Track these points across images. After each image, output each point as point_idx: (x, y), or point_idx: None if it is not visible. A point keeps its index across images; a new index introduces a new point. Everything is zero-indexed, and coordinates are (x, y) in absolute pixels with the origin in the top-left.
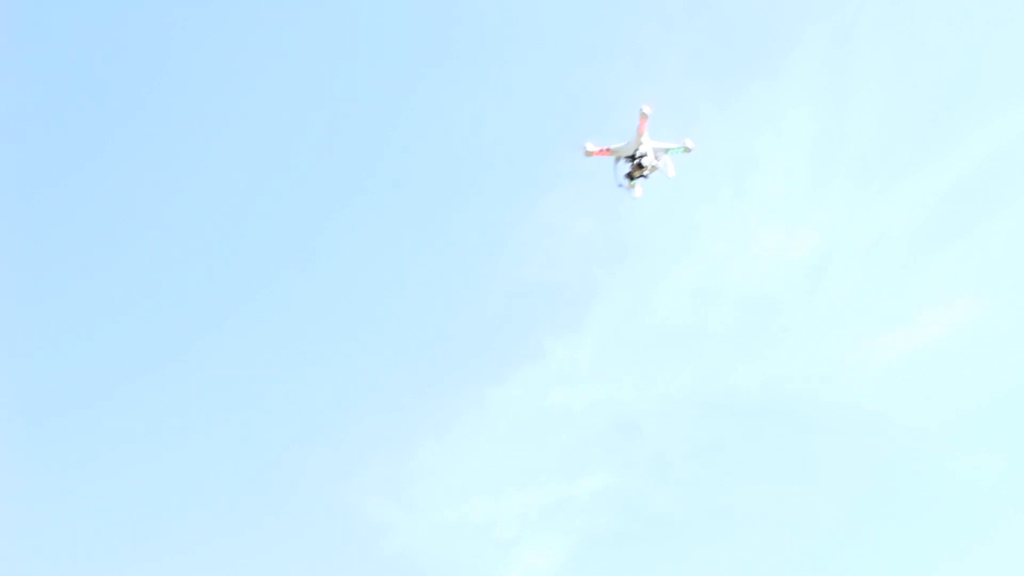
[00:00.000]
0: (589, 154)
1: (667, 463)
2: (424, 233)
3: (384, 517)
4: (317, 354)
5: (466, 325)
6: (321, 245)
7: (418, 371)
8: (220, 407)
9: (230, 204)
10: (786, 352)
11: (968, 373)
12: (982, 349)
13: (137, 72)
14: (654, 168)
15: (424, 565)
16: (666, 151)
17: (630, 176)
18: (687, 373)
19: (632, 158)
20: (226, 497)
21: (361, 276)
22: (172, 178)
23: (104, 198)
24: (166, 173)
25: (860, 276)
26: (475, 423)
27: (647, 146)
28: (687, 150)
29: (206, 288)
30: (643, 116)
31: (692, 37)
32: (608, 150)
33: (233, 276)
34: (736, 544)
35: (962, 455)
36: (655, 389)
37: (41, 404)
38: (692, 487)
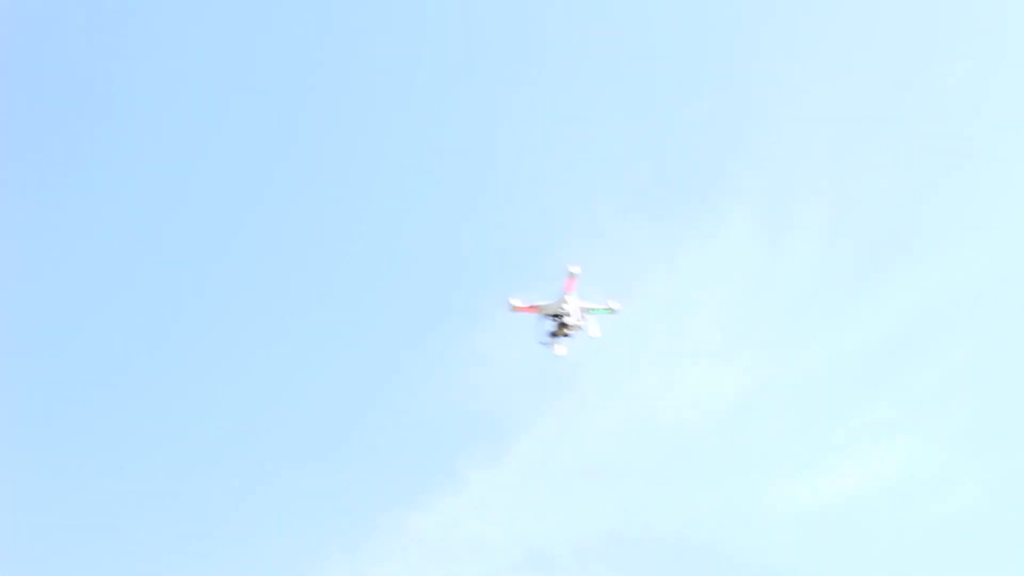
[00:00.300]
0: (516, 310)
1: None
2: (353, 353)
3: None
4: (241, 463)
5: (389, 449)
6: (249, 354)
7: (337, 491)
8: (136, 506)
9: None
10: (706, 492)
11: (883, 524)
12: (898, 499)
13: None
14: (578, 327)
15: None
16: (591, 311)
17: (554, 334)
18: (606, 510)
19: (557, 316)
20: None
21: (291, 392)
22: None
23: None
24: None
25: (783, 419)
26: (390, 548)
27: (572, 305)
28: (612, 311)
29: (134, 402)
30: (571, 276)
31: (634, 182)
32: (534, 307)
33: (153, 392)
34: None
35: None
36: (573, 524)
37: None
38: None
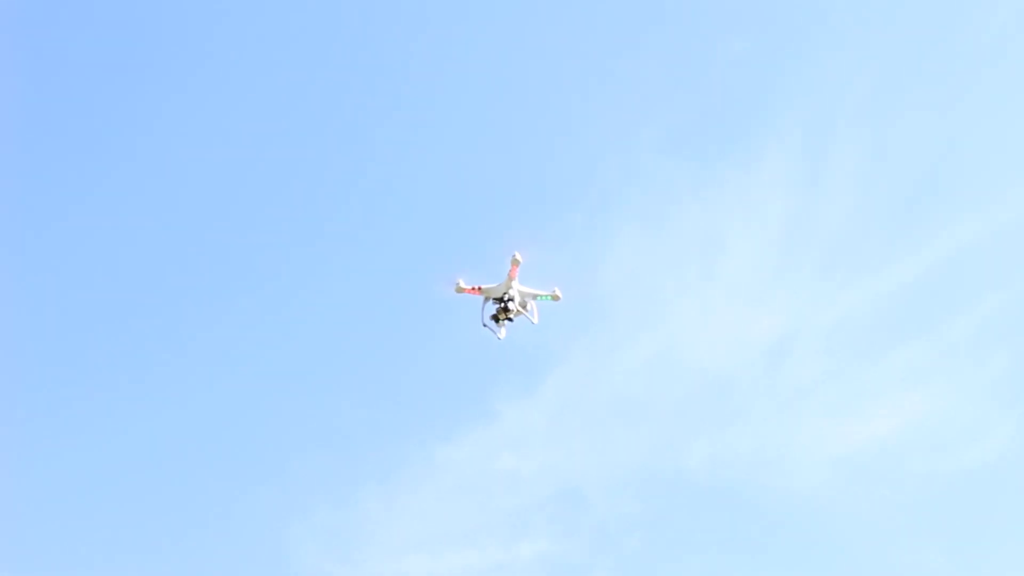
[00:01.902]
0: (460, 291)
1: (609, 535)
2: (386, 284)
3: (321, 566)
4: (271, 390)
5: (420, 381)
6: (278, 283)
7: (369, 422)
8: (159, 437)
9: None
10: (737, 433)
11: (915, 469)
12: (930, 446)
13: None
14: (519, 313)
15: None
16: (534, 297)
17: (495, 318)
18: (637, 446)
19: (500, 300)
20: (160, 531)
21: (321, 319)
22: None
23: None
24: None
25: (817, 364)
26: (421, 479)
27: (516, 291)
28: (555, 298)
29: (157, 317)
30: (515, 262)
31: (670, 116)
32: (479, 289)
33: (186, 307)
34: None
35: (904, 547)
36: (605, 460)
37: None
38: (632, 560)
